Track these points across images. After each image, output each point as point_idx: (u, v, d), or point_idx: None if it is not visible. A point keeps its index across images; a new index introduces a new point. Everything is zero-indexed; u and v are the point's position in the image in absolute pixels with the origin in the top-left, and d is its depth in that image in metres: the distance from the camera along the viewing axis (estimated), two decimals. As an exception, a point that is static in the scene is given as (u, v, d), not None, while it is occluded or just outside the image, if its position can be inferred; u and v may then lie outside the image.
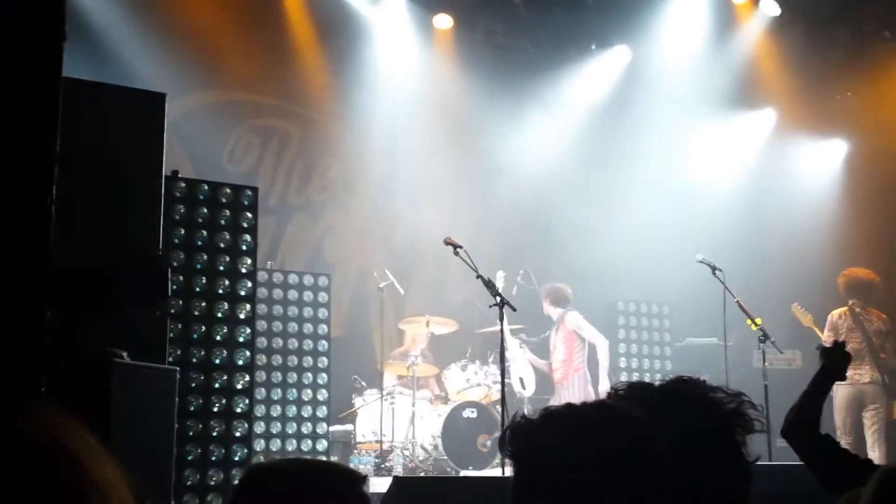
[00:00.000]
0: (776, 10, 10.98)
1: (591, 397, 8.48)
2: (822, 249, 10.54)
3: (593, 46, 11.72)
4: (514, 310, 7.11)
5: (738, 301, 8.29)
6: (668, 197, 11.29)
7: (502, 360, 7.10)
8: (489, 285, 7.02)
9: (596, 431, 1.64)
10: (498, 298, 6.97)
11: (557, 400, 8.79)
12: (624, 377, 10.46)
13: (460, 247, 7.14)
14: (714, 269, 8.21)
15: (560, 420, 1.68)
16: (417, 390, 9.10)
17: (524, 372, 9.39)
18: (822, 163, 11.33)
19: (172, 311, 6.38)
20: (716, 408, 1.88)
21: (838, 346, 3.64)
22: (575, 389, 9.13)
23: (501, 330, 7.04)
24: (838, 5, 11.14)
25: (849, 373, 3.78)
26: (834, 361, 3.58)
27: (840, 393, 8.68)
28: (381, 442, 8.80)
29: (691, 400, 1.87)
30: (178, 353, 6.46)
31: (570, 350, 9.32)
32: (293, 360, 8.79)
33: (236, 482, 1.79)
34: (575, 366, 9.29)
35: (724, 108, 11.49)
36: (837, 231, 10.68)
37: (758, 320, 8.19)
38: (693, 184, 11.31)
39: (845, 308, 9.08)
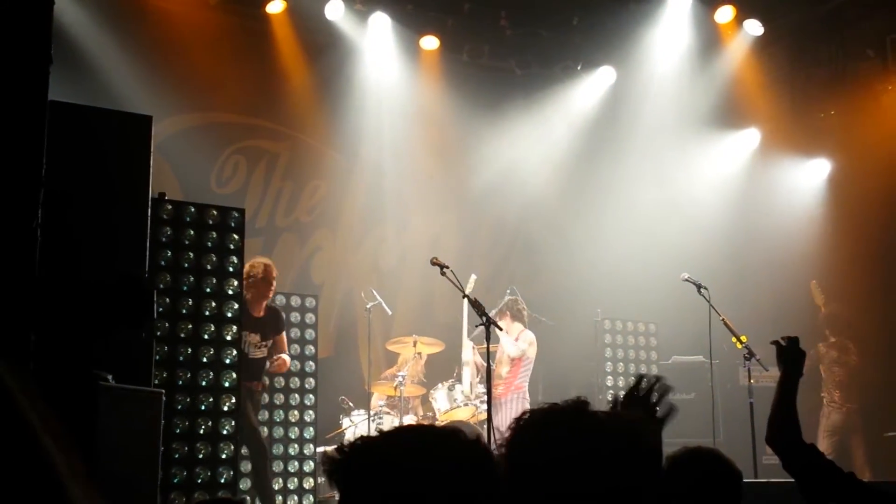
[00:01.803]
0: (759, 30, 11.06)
1: None
2: (806, 268, 10.60)
3: (579, 67, 11.78)
4: (501, 329, 7.14)
5: (723, 319, 8.32)
6: (653, 216, 11.34)
7: (488, 380, 7.12)
8: (475, 305, 7.05)
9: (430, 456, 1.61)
10: (484, 318, 6.99)
11: (497, 417, 8.61)
12: (611, 396, 10.45)
13: (447, 267, 7.17)
14: (699, 287, 8.25)
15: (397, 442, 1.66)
16: (404, 413, 9.09)
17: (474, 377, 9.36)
18: (805, 182, 11.40)
19: (158, 333, 6.39)
20: (606, 426, 1.84)
21: (792, 343, 3.56)
22: (513, 407, 8.96)
23: (487, 350, 7.05)
24: (821, 25, 11.23)
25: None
26: (789, 361, 3.52)
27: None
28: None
29: (585, 423, 1.84)
30: (165, 375, 6.47)
31: (517, 368, 9.17)
32: (280, 381, 8.80)
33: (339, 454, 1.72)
34: (517, 384, 9.15)
35: (708, 128, 11.56)
36: (821, 250, 10.74)
37: (743, 338, 8.23)
38: (678, 203, 11.37)
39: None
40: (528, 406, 8.88)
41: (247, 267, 7.61)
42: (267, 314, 8.10)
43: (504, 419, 8.68)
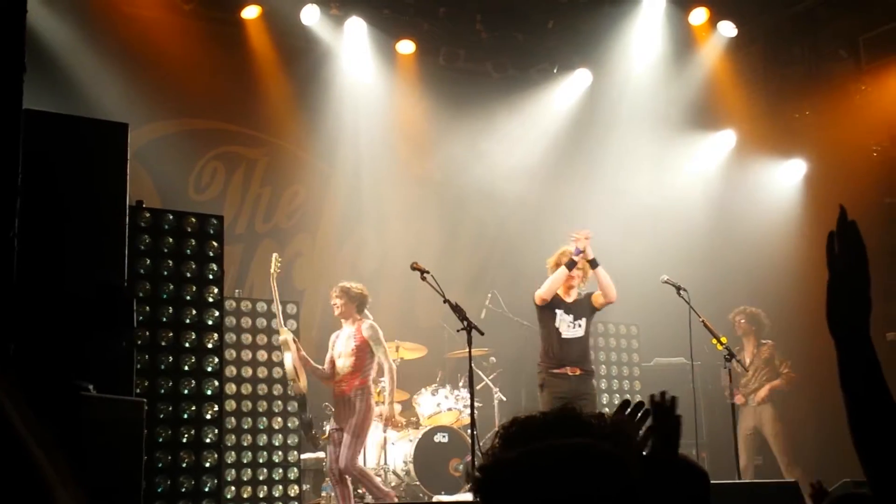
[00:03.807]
0: (733, 32, 11.13)
1: (372, 414, 8.27)
2: (783, 268, 10.66)
3: (555, 70, 11.82)
4: (482, 333, 7.13)
5: (703, 321, 8.35)
6: (631, 218, 11.38)
7: (471, 384, 7.11)
8: (456, 310, 7.04)
9: (577, 473, 1.62)
10: (465, 322, 6.99)
11: (337, 416, 8.26)
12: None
13: (427, 272, 7.16)
14: (679, 289, 8.28)
15: (539, 461, 1.65)
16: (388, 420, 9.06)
17: (296, 362, 8.28)
18: (781, 182, 11.47)
19: (139, 342, 6.34)
20: (595, 434, 1.86)
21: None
22: (357, 404, 8.18)
23: (469, 354, 7.05)
24: (794, 26, 11.31)
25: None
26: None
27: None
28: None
29: (573, 430, 1.86)
30: (146, 384, 6.42)
31: (361, 362, 8.30)
32: (263, 389, 8.77)
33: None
34: (361, 378, 8.29)
35: (684, 130, 11.63)
36: (798, 250, 10.78)
37: (723, 339, 8.27)
38: (656, 205, 11.42)
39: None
40: (372, 403, 8.33)
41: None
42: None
43: (346, 417, 8.19)
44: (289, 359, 8.17)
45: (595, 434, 1.77)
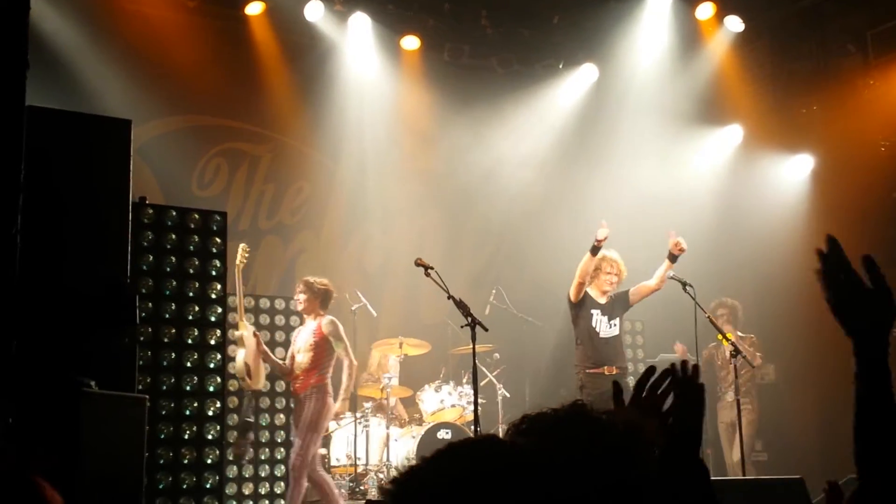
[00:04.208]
0: (740, 27, 11.08)
1: (332, 412, 8.14)
2: (790, 264, 10.61)
3: (560, 65, 11.78)
4: (486, 329, 7.10)
5: (708, 316, 8.34)
6: (637, 214, 11.34)
7: (475, 381, 7.09)
8: (460, 305, 7.01)
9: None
10: (469, 318, 6.96)
11: (296, 413, 8.11)
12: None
13: (431, 267, 7.14)
14: (685, 284, 8.25)
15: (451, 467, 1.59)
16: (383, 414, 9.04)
17: (252, 359, 8.10)
18: (788, 177, 11.41)
19: (141, 338, 6.34)
20: (609, 431, 1.84)
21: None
22: (308, 404, 8.00)
23: (473, 350, 7.03)
24: (802, 20, 11.26)
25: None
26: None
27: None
28: (355, 465, 8.75)
29: (587, 425, 1.84)
30: (148, 380, 6.42)
31: (319, 358, 8.14)
32: (266, 385, 8.75)
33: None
34: (318, 376, 8.12)
35: (691, 125, 11.57)
36: (805, 246, 10.68)
37: (729, 335, 8.24)
38: (662, 200, 11.37)
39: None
40: (330, 401, 8.09)
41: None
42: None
43: (298, 416, 8.07)
44: (241, 355, 8.04)
45: (606, 429, 1.76)
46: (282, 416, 8.88)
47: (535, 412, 1.84)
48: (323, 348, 8.15)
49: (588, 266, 8.22)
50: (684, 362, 2.16)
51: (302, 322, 8.54)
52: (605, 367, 8.06)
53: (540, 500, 1.66)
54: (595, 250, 8.16)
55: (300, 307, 8.38)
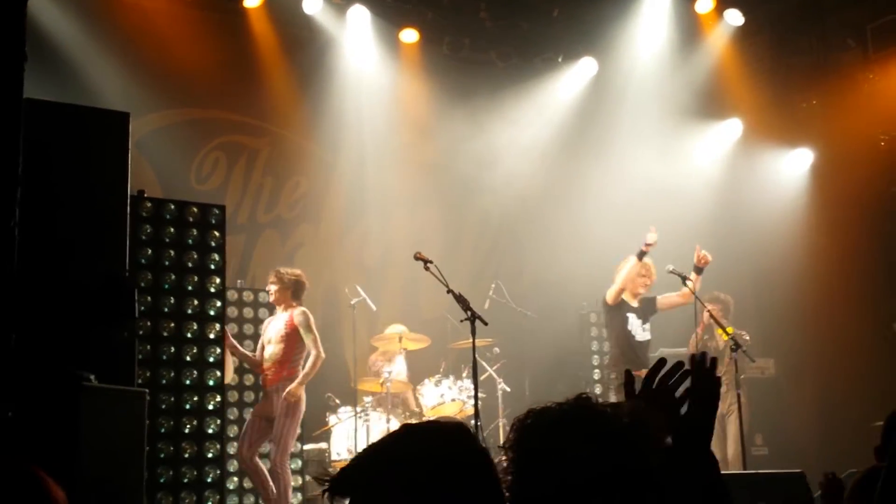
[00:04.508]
0: (740, 20, 11.06)
1: (304, 404, 8.03)
2: (789, 258, 10.61)
3: (560, 59, 11.75)
4: (486, 324, 7.09)
5: (709, 311, 8.32)
6: (637, 208, 11.31)
7: (475, 375, 7.08)
8: (460, 300, 7.00)
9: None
10: (469, 313, 6.95)
11: (261, 406, 8.02)
12: (598, 390, 10.45)
13: (430, 262, 7.13)
14: (684, 279, 8.24)
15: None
16: (392, 409, 9.03)
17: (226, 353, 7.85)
18: (788, 172, 11.40)
19: (140, 332, 6.32)
20: (613, 423, 1.83)
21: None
22: (276, 399, 7.92)
23: (473, 344, 7.01)
24: (802, 14, 11.24)
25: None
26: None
27: None
28: (355, 460, 8.71)
29: (592, 418, 1.84)
30: (148, 374, 6.40)
31: (291, 350, 8.05)
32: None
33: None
34: (290, 369, 8.03)
35: (690, 119, 11.55)
36: (805, 239, 10.74)
37: (729, 329, 8.23)
38: (661, 194, 11.35)
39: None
40: (303, 393, 8.06)
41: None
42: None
43: (267, 410, 7.97)
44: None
45: (611, 422, 1.77)
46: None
47: (540, 406, 1.84)
48: (294, 339, 8.06)
49: (633, 271, 8.34)
50: (703, 353, 2.15)
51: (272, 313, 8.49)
52: (643, 370, 8.06)
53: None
54: (642, 255, 8.32)
55: (271, 298, 8.31)
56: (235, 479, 8.47)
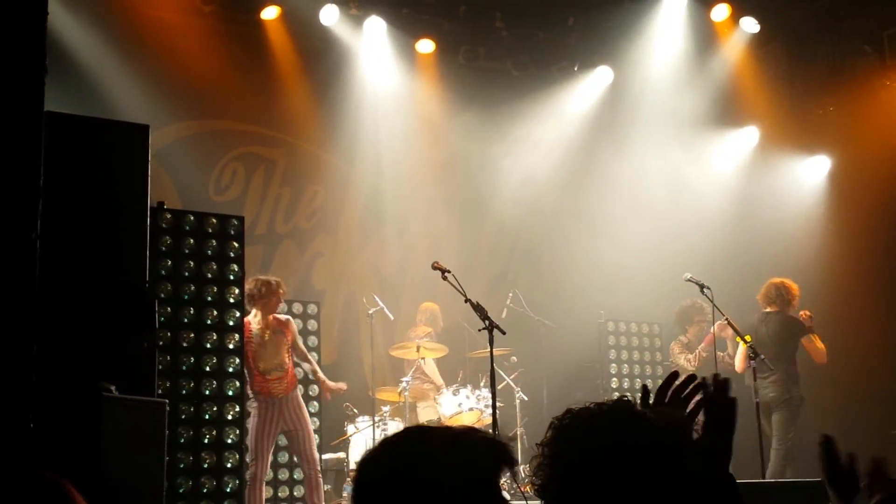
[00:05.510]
0: (756, 28, 11.04)
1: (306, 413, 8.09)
2: (808, 265, 10.56)
3: (575, 68, 11.76)
4: (504, 333, 7.09)
5: (727, 318, 8.30)
6: (654, 216, 11.32)
7: (493, 384, 7.08)
8: (478, 309, 7.00)
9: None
10: (487, 322, 6.95)
11: (277, 418, 7.85)
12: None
13: (448, 271, 7.13)
14: (702, 287, 8.22)
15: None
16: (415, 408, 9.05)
17: None
18: (805, 179, 11.36)
19: (160, 343, 6.35)
20: (651, 426, 1.85)
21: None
22: (294, 403, 8.00)
23: (491, 354, 7.01)
24: (818, 21, 11.21)
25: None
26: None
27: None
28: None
29: (632, 419, 1.86)
30: (167, 385, 6.44)
31: (291, 359, 8.16)
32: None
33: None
34: (293, 375, 8.16)
35: (707, 127, 11.53)
36: (823, 247, 10.69)
37: (748, 337, 8.20)
38: (678, 203, 11.34)
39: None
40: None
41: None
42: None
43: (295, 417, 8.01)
44: None
45: (649, 425, 1.79)
46: (316, 418, 8.86)
47: (578, 406, 1.88)
48: (291, 348, 8.14)
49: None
50: (715, 376, 2.14)
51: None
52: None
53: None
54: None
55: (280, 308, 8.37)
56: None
